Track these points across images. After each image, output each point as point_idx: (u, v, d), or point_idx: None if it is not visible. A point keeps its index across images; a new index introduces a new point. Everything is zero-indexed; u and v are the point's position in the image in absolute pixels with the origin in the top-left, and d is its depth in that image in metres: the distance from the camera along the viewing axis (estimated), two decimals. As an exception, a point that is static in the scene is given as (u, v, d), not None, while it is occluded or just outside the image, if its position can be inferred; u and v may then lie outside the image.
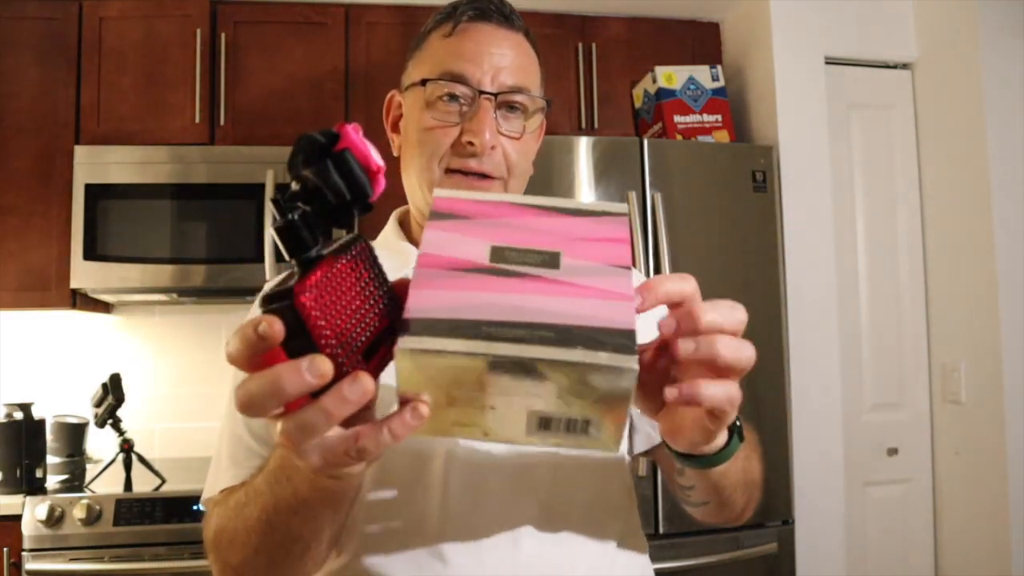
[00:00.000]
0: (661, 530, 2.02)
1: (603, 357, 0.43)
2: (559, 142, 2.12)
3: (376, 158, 0.46)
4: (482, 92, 0.79)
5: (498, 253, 0.48)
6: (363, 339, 0.46)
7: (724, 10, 2.63)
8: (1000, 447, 2.16)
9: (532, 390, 0.44)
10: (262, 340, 0.42)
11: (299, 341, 0.42)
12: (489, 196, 0.50)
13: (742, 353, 0.51)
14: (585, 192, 2.11)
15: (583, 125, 2.54)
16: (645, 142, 2.16)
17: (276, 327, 0.42)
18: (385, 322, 0.48)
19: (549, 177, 2.08)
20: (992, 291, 2.20)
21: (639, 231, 2.10)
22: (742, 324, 0.52)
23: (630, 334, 0.44)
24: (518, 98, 0.81)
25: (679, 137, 2.34)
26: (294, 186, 0.45)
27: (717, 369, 0.51)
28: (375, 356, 0.47)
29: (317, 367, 0.42)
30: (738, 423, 0.61)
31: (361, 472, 0.55)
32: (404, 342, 0.43)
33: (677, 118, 2.36)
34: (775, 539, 2.11)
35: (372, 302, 0.47)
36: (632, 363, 0.43)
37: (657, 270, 2.10)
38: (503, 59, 0.80)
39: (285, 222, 0.44)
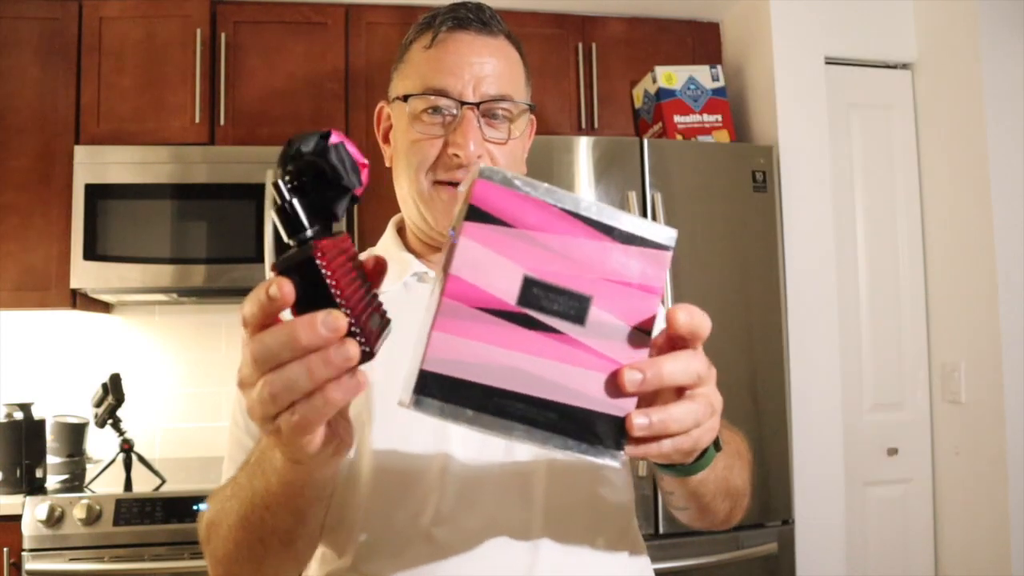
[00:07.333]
0: (661, 530, 2.02)
1: (592, 453, 0.48)
2: (559, 142, 2.12)
3: (361, 155, 0.49)
4: (464, 103, 0.79)
5: (528, 291, 0.47)
6: (359, 313, 0.47)
7: (724, 10, 2.63)
8: (1000, 447, 2.16)
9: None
10: (272, 302, 0.44)
11: (309, 304, 0.44)
12: (535, 189, 0.47)
13: (679, 370, 0.50)
14: (585, 192, 2.11)
15: (583, 125, 2.54)
16: (645, 142, 2.16)
17: (286, 288, 0.44)
18: (361, 307, 0.49)
19: (549, 177, 2.08)
20: (992, 291, 2.19)
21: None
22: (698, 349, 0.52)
23: (624, 425, 0.49)
24: (501, 106, 0.81)
25: (679, 137, 2.34)
26: (288, 178, 0.48)
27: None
28: None
29: (332, 321, 0.43)
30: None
31: (330, 465, 0.56)
32: (419, 401, 0.46)
33: (677, 118, 2.36)
34: (775, 539, 2.11)
35: (357, 287, 0.49)
36: (617, 462, 0.49)
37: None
38: (484, 68, 0.80)
39: (286, 203, 0.46)
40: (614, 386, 0.48)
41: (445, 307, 0.46)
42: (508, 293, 0.47)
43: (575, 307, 0.47)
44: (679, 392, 0.51)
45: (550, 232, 0.47)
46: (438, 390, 0.46)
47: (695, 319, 0.50)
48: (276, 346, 0.44)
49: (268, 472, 0.59)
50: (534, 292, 0.47)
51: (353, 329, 0.45)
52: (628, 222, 0.48)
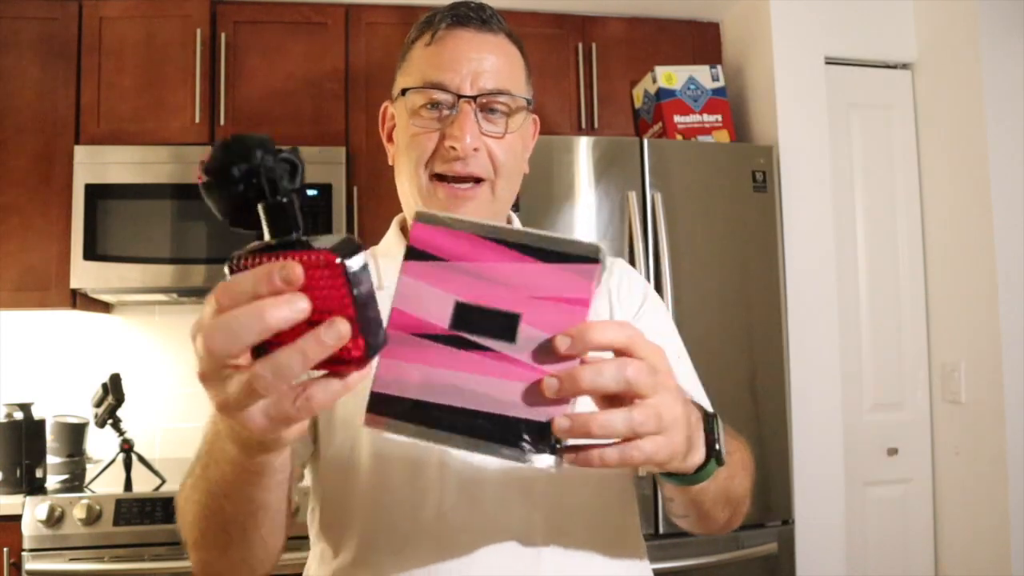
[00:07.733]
0: (661, 530, 2.02)
1: (525, 460, 0.51)
2: (559, 142, 2.12)
3: None
4: (461, 96, 0.80)
5: (460, 315, 0.52)
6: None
7: (724, 10, 2.63)
8: (1000, 447, 2.16)
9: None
10: (288, 287, 0.43)
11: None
12: (467, 224, 0.51)
13: (601, 377, 0.50)
14: (585, 192, 2.11)
15: (583, 125, 2.54)
16: (645, 142, 2.16)
17: (298, 271, 0.43)
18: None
19: (549, 177, 2.08)
20: (992, 291, 2.20)
21: (639, 231, 2.10)
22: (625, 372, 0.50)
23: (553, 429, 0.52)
24: (499, 99, 0.82)
25: (679, 137, 2.34)
26: (273, 174, 0.45)
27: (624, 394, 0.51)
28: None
29: (288, 273, 0.42)
30: (717, 447, 0.61)
31: (283, 451, 0.56)
32: (370, 419, 0.52)
33: (677, 118, 2.36)
34: (775, 539, 2.11)
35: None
36: (549, 463, 0.51)
37: (657, 271, 2.10)
38: (482, 63, 0.81)
39: (281, 199, 0.45)
40: (538, 395, 0.51)
41: (391, 338, 0.51)
42: (442, 319, 0.52)
43: (505, 325, 0.51)
44: (631, 402, 0.51)
45: (481, 261, 0.51)
46: (386, 408, 0.52)
47: (580, 338, 0.49)
48: (243, 314, 0.43)
49: (221, 462, 0.59)
50: (464, 316, 0.52)
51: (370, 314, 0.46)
52: (552, 243, 0.51)
